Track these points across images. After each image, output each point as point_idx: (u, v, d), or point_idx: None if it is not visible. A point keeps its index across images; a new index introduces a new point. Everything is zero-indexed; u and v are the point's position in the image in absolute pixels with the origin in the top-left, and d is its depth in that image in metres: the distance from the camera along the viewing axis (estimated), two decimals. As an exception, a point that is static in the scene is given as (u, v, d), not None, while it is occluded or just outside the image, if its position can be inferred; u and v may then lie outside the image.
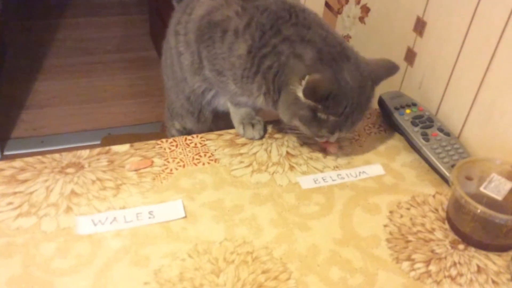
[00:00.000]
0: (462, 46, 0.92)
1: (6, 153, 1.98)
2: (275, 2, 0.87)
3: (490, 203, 0.75)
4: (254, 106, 0.96)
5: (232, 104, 0.98)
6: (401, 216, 0.81)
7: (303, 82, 0.79)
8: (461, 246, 0.77)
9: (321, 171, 0.90)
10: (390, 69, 0.89)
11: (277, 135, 0.97)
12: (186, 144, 0.93)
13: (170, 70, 1.08)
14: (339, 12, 1.34)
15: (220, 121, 1.07)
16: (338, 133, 0.86)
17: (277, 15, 0.85)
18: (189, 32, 0.95)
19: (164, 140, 0.93)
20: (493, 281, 0.71)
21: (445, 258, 0.74)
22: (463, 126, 0.94)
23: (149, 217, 0.77)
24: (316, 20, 0.87)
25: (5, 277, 0.66)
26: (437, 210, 0.83)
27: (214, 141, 0.95)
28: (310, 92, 0.79)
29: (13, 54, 2.57)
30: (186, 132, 1.15)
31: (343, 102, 0.81)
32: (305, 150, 0.94)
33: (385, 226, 0.79)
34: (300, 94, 0.80)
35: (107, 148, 0.90)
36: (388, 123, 1.01)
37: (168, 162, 0.88)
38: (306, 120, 0.84)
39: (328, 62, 0.82)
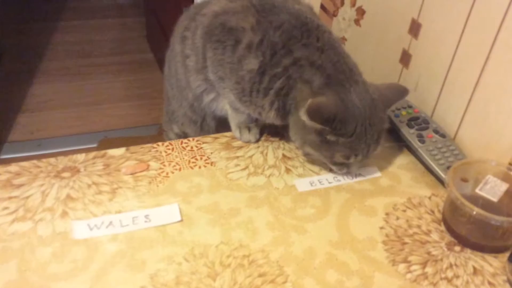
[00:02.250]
0: (457, 48, 0.92)
1: (2, 156, 1.97)
2: (289, 19, 0.86)
3: (485, 204, 0.75)
4: (252, 117, 0.95)
5: (231, 108, 0.98)
6: (397, 218, 0.81)
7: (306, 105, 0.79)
8: (457, 248, 0.77)
9: (318, 174, 0.90)
10: (400, 92, 0.88)
11: (273, 138, 0.97)
12: (182, 147, 0.93)
13: (174, 78, 1.08)
14: (334, 14, 1.34)
15: (222, 131, 1.06)
16: (355, 160, 0.84)
17: (289, 34, 0.84)
18: (199, 27, 0.94)
19: (160, 143, 0.93)
20: (489, 283, 0.71)
21: (441, 260, 0.75)
22: (459, 127, 0.94)
23: (145, 221, 0.77)
24: (330, 41, 0.86)
25: (1, 282, 0.66)
26: (433, 212, 0.83)
27: (210, 144, 0.95)
28: (313, 114, 0.78)
29: (9, 58, 2.56)
30: (185, 136, 1.15)
31: (351, 123, 0.80)
32: (301, 153, 0.94)
33: (381, 228, 0.79)
34: (304, 118, 0.80)
35: (102, 152, 0.90)
36: (384, 125, 1.01)
37: (164, 165, 0.88)
38: (316, 145, 0.84)
39: (335, 86, 0.81)
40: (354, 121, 0.80)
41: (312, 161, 0.92)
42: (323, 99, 0.80)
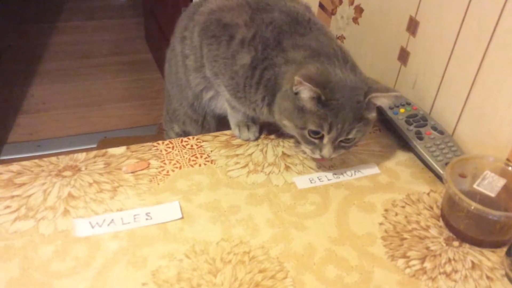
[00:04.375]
0: (454, 45, 0.93)
1: (2, 157, 1.97)
2: (280, 15, 0.88)
3: (483, 200, 0.76)
4: (248, 115, 0.96)
5: (229, 106, 0.99)
6: (396, 214, 0.82)
7: (295, 78, 0.78)
8: (455, 243, 0.77)
9: (317, 171, 0.90)
10: (388, 88, 0.84)
11: (272, 136, 0.98)
12: (182, 145, 0.94)
13: (175, 78, 1.09)
14: (333, 13, 1.34)
15: (223, 129, 1.06)
16: (327, 138, 0.81)
17: (280, 29, 0.86)
18: (196, 26, 0.95)
19: (160, 142, 0.94)
20: (488, 277, 0.72)
21: (440, 255, 0.75)
22: (457, 124, 0.95)
23: (146, 219, 0.77)
24: (319, 27, 0.88)
25: (4, 280, 0.67)
26: (431, 207, 0.84)
27: (210, 143, 0.95)
28: (307, 80, 0.76)
29: (8, 59, 2.56)
30: (185, 136, 1.15)
31: (337, 92, 0.78)
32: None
33: (381, 224, 0.80)
34: (289, 87, 0.80)
35: (103, 150, 0.90)
36: (383, 123, 1.02)
37: (165, 163, 0.89)
38: (289, 113, 0.81)
39: (321, 58, 0.82)
40: (338, 91, 0.78)
41: (311, 158, 0.92)
42: (310, 68, 0.80)
